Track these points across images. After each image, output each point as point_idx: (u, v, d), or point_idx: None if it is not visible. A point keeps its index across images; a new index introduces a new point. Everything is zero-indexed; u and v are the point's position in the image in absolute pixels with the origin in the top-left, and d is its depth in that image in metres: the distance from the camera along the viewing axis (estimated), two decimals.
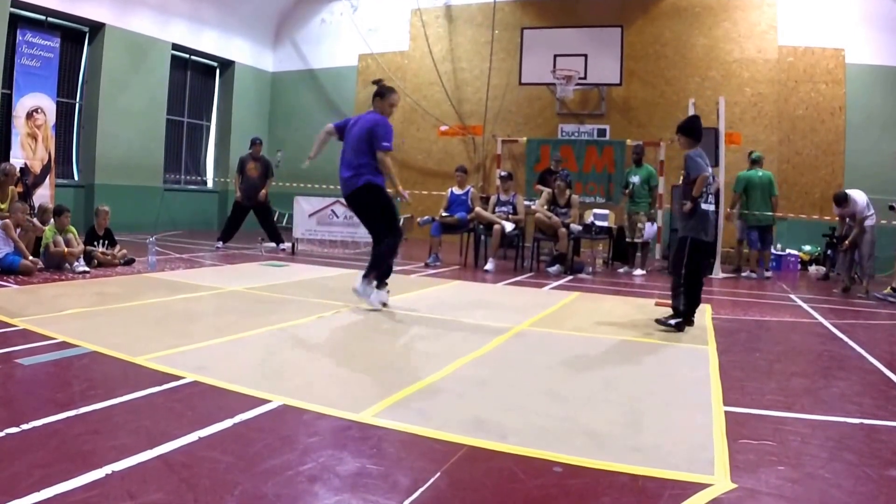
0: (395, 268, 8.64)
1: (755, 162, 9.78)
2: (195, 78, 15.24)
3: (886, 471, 2.45)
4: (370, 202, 5.49)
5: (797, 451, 2.61)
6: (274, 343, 4.14)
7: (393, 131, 5.46)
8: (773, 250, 10.69)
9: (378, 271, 5.49)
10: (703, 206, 5.18)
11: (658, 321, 5.16)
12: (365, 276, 5.43)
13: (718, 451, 2.54)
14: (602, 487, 2.21)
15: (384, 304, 5.46)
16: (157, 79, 13.62)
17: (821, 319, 6.15)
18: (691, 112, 8.96)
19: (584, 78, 12.56)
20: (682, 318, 5.10)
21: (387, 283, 5.59)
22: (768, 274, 9.80)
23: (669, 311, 5.24)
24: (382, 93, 5.59)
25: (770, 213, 9.59)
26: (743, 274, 9.71)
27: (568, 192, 9.21)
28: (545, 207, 9.15)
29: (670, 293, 5.33)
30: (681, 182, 5.64)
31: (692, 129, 5.36)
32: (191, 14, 14.23)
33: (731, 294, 7.76)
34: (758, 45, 12.53)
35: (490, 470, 2.32)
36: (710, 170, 5.24)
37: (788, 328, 5.73)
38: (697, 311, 5.27)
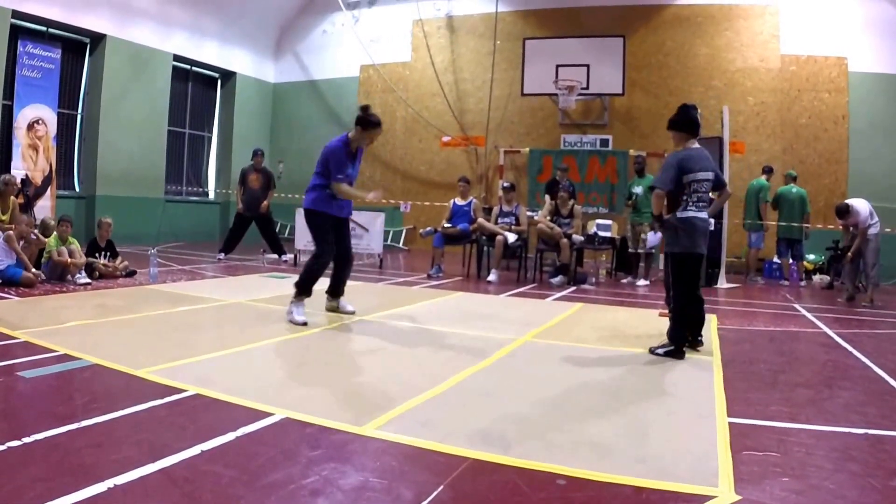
0: (399, 279, 8.75)
1: (791, 178, 10.68)
2: (196, 89, 15.30)
3: (891, 481, 2.43)
4: (307, 223, 5.60)
5: (801, 462, 2.59)
6: (276, 356, 4.14)
7: (343, 156, 5.27)
8: (776, 259, 10.85)
9: (298, 287, 5.32)
10: (689, 212, 4.57)
11: (651, 350, 4.56)
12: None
13: (722, 463, 2.53)
14: (606, 500, 2.20)
15: (304, 323, 5.09)
16: (159, 90, 13.67)
17: (825, 329, 6.12)
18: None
19: (587, 88, 12.58)
20: (676, 344, 4.48)
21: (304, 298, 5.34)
22: (803, 283, 10.40)
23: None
24: (369, 123, 5.33)
25: (795, 225, 10.18)
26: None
27: (571, 202, 9.21)
28: (548, 218, 9.15)
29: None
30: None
31: (683, 122, 4.65)
32: (192, 25, 14.30)
33: (736, 304, 7.74)
34: (760, 54, 12.56)
35: (493, 483, 2.31)
36: (701, 173, 4.54)
37: (792, 338, 5.71)
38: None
